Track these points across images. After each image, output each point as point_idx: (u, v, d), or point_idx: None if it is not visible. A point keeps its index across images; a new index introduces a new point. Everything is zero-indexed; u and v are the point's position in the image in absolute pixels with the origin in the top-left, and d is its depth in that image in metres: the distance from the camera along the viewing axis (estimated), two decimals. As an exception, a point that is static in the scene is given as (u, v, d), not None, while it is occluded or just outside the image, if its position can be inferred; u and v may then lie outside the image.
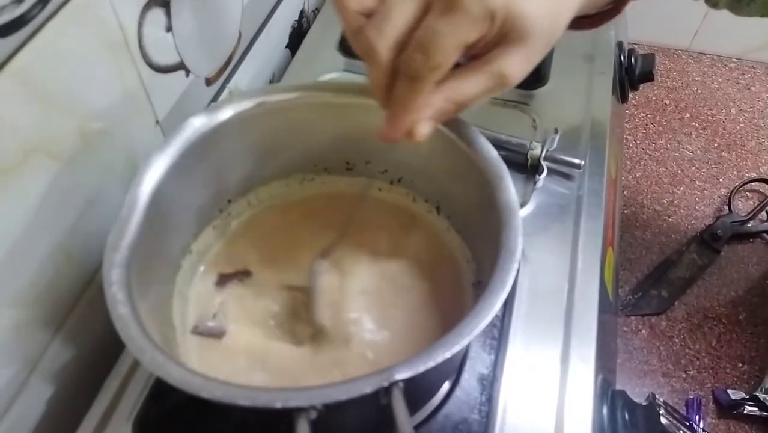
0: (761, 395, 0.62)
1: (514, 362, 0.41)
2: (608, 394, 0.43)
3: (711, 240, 0.77)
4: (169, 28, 0.44)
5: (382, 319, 0.38)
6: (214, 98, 0.54)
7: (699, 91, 0.97)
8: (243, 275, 0.41)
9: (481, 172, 0.34)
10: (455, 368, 0.41)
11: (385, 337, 0.37)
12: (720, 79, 0.99)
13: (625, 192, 0.83)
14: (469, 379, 0.40)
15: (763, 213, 0.80)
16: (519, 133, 0.52)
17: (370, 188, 0.44)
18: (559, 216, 0.49)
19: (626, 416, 0.41)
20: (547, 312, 0.44)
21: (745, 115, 0.93)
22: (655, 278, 0.74)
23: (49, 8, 0.32)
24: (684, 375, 0.67)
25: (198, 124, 0.36)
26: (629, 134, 0.91)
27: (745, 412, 0.62)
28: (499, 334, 0.42)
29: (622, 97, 0.69)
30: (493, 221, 0.32)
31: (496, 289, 0.29)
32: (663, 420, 0.59)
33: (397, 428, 0.25)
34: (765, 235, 0.79)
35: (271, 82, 0.65)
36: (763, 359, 0.67)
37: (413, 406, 0.37)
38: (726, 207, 0.81)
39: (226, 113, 0.37)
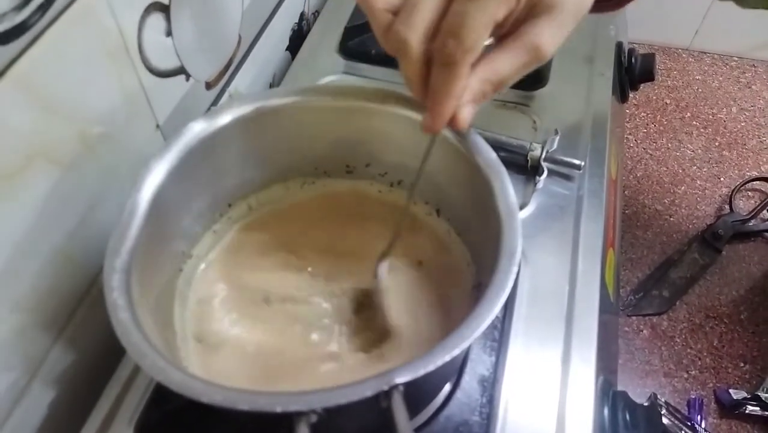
0: (763, 395, 0.62)
1: (515, 364, 0.41)
2: (609, 395, 0.43)
3: (712, 239, 0.77)
4: (168, 33, 0.44)
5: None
6: (215, 102, 0.54)
7: (700, 90, 0.97)
8: (245, 278, 0.41)
9: (480, 175, 0.34)
10: (456, 369, 0.41)
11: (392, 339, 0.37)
12: (721, 78, 0.99)
13: (626, 192, 0.83)
14: (469, 380, 0.41)
15: (765, 212, 0.80)
16: (519, 134, 0.52)
17: (412, 197, 0.43)
18: (559, 217, 0.49)
19: (627, 416, 0.41)
20: (548, 313, 0.44)
21: (746, 113, 0.93)
22: (657, 277, 0.74)
23: (50, 15, 0.33)
24: (686, 375, 0.67)
25: (198, 129, 0.36)
26: (630, 134, 0.91)
27: (747, 412, 0.62)
28: (499, 335, 0.42)
29: (623, 97, 0.69)
30: (492, 223, 0.32)
31: (496, 291, 0.29)
32: (665, 420, 0.59)
33: (398, 431, 0.25)
34: (766, 234, 0.78)
35: (271, 85, 0.65)
36: (765, 359, 0.67)
37: (414, 408, 0.37)
38: (727, 206, 0.81)
39: (225, 118, 0.37)
